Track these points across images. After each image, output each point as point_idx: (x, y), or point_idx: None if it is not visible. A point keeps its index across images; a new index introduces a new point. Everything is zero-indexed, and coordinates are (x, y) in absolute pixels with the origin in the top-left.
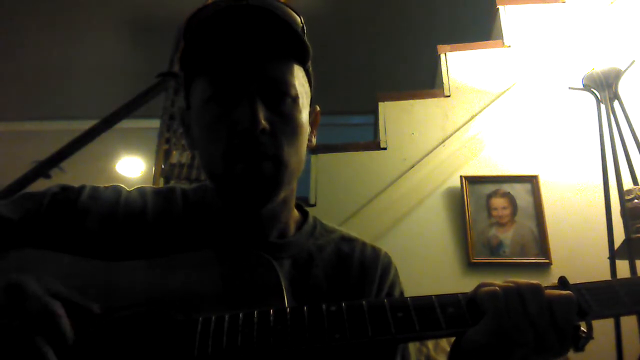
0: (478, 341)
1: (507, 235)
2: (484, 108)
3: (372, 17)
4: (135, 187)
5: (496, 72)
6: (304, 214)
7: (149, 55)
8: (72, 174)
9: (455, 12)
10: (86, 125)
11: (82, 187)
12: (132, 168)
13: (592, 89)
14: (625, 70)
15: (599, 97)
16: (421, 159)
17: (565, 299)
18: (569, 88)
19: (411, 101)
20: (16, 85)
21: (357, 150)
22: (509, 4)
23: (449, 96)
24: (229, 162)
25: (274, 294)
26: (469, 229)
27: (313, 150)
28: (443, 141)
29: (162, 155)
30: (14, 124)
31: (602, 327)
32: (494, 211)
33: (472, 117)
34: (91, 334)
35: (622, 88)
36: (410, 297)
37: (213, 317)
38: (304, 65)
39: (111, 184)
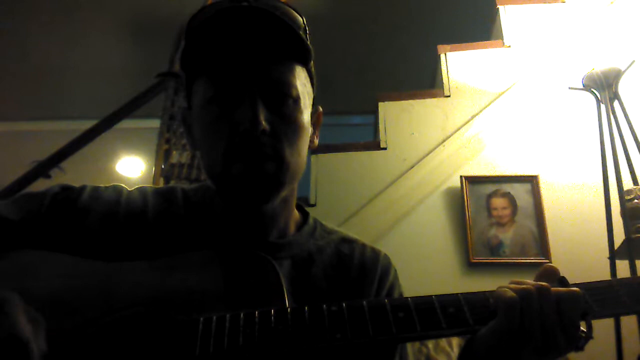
0: (489, 342)
1: (507, 235)
2: (484, 108)
3: (372, 17)
4: (136, 187)
5: (496, 72)
6: (304, 215)
7: (149, 55)
8: (72, 174)
9: (455, 12)
10: (86, 125)
11: (83, 187)
12: (132, 168)
13: (592, 89)
14: (625, 70)
15: (599, 97)
16: (421, 159)
17: (573, 295)
18: (569, 88)
19: (411, 101)
20: (16, 85)
21: (357, 150)
22: (509, 4)
23: (449, 96)
24: (229, 161)
25: (275, 293)
26: (469, 229)
27: (313, 150)
28: (443, 141)
29: (162, 155)
30: (14, 124)
31: (602, 327)
32: (494, 211)
33: (472, 117)
34: (82, 340)
35: (622, 88)
36: (410, 297)
37: (214, 317)
38: (305, 65)
39: (111, 184)
